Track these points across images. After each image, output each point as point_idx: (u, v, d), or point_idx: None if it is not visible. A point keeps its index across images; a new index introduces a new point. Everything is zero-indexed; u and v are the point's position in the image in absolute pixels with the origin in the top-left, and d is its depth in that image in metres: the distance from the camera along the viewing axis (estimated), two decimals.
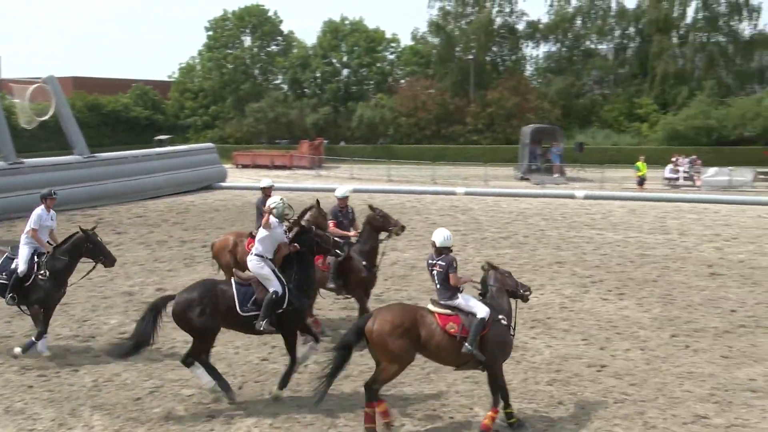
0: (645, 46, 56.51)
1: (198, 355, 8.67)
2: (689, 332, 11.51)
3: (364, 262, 10.99)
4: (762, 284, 14.70)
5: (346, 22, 62.07)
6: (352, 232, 11.59)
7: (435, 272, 8.12)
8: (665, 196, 29.76)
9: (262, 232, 8.98)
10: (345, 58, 61.54)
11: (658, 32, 54.89)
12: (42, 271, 10.16)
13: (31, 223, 10.39)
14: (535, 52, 62.60)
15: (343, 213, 11.78)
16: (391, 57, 64.02)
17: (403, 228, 11.32)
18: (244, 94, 60.86)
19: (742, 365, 10.00)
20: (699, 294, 13.96)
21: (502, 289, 8.24)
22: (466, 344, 7.70)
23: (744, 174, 33.67)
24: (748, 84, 55.72)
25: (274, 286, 8.67)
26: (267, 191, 12.17)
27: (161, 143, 49.28)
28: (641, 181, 32.18)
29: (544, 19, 59.43)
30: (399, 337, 7.65)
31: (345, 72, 62.28)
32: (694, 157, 37.10)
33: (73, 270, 10.43)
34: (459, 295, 7.99)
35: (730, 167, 35.08)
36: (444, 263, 8.04)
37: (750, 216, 24.22)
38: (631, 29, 58.36)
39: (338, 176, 40.61)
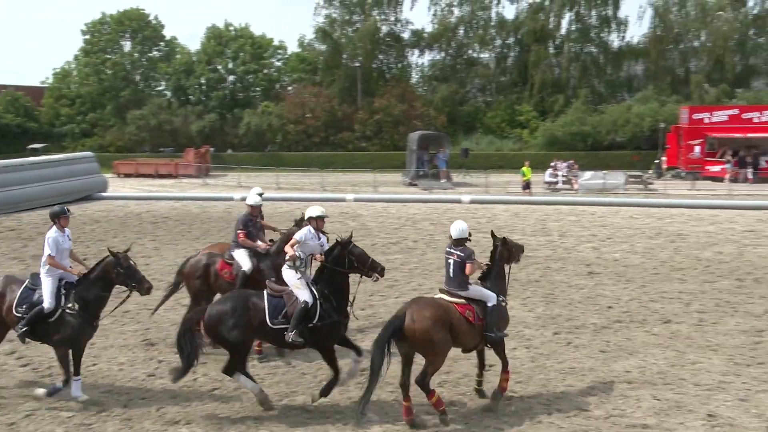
0: (524, 55, 58.83)
1: (236, 366, 8.49)
2: (570, 329, 12.03)
3: (273, 278, 10.73)
4: (635, 281, 15.58)
5: (231, 28, 61.16)
6: (261, 245, 11.23)
7: (451, 261, 8.60)
8: (546, 200, 31.03)
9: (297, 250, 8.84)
10: (230, 65, 60.62)
11: (535, 42, 57.32)
12: (70, 304, 8.76)
13: (48, 250, 8.95)
14: (421, 60, 64.04)
15: (254, 222, 11.32)
16: (278, 64, 63.60)
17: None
18: (125, 100, 58.77)
19: (619, 358, 10.55)
20: (579, 292, 14.63)
21: (503, 268, 9.00)
22: (489, 333, 8.45)
23: (617, 177, 35.59)
24: (619, 92, 59.18)
25: (304, 296, 8.49)
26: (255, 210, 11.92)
27: (35, 152, 46.90)
28: (526, 186, 33.14)
29: (428, 29, 60.90)
30: (441, 330, 8.12)
31: (231, 78, 61.31)
32: (571, 161, 38.89)
33: (106, 301, 9.04)
34: (469, 285, 8.58)
35: (604, 171, 37.02)
36: (463, 254, 8.56)
37: (623, 217, 25.62)
38: (511, 39, 60.62)
39: (226, 184, 39.86)
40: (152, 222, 24.96)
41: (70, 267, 9.13)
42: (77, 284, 8.90)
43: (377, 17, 59.82)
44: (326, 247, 9.02)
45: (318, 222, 8.98)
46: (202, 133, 55.67)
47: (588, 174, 36.15)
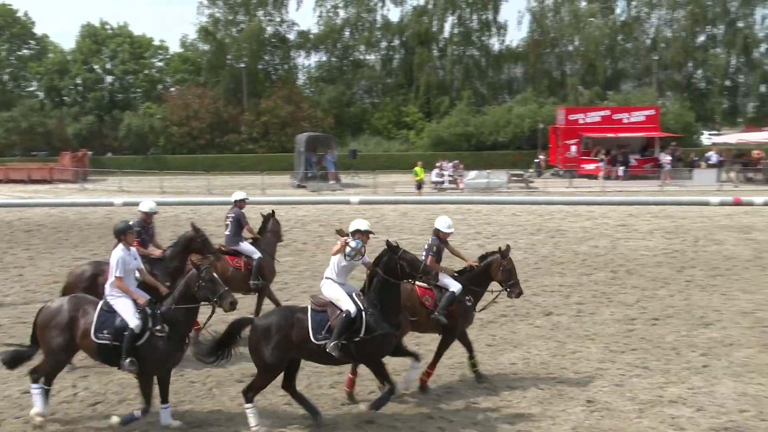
0: (409, 57, 59.84)
1: (258, 391, 8.19)
2: None
3: (168, 283, 10.40)
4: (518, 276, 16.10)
5: (107, 26, 58.80)
6: (156, 251, 10.79)
7: (426, 246, 9.66)
8: (433, 199, 31.67)
9: (338, 258, 8.33)
10: (108, 65, 58.29)
11: (420, 45, 58.41)
12: (159, 326, 7.87)
13: (115, 270, 8.14)
14: (307, 61, 63.97)
15: (146, 229, 10.90)
16: (160, 64, 61.71)
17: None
18: None
19: (504, 351, 10.92)
20: None
21: (488, 276, 9.39)
22: (436, 312, 8.99)
23: (500, 176, 36.82)
24: (500, 94, 61.29)
25: (345, 305, 7.99)
26: (240, 204, 12.84)
27: None
28: (419, 186, 33.65)
29: (314, 30, 60.80)
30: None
31: (109, 79, 58.98)
32: (456, 161, 39.90)
33: (194, 319, 8.23)
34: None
35: (487, 170, 38.19)
36: (431, 243, 9.64)
37: (506, 214, 26.51)
38: (396, 42, 61.49)
39: (106, 189, 38.27)
40: (26, 230, 23.61)
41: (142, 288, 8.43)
42: (161, 304, 8.06)
43: (262, 18, 59.18)
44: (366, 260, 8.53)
45: (364, 237, 8.50)
46: (79, 135, 53.26)
47: (473, 173, 37.16)
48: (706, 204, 28.37)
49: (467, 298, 9.23)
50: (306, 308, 8.20)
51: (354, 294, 8.25)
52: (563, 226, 23.48)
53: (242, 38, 57.43)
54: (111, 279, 8.21)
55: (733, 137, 47.64)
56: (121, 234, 8.43)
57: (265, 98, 54.02)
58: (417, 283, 8.97)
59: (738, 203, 28.19)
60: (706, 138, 55.09)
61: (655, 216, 25.50)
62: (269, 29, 60.02)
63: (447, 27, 60.60)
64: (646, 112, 44.09)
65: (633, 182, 37.75)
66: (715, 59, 58.70)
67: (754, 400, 8.85)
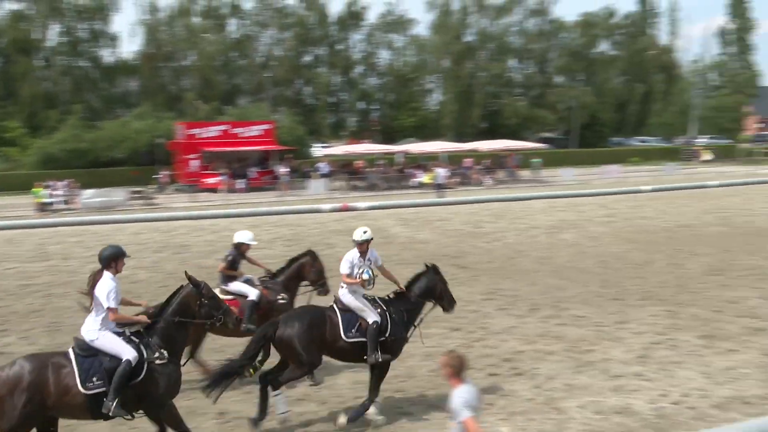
0: (8, 67, 54.36)
1: (287, 382, 8.45)
2: None
3: None
4: (144, 296, 15.64)
5: None
6: None
7: (225, 254, 10.44)
8: (45, 222, 29.06)
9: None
10: None
11: (20, 53, 53.46)
12: (156, 354, 7.12)
13: (109, 300, 7.14)
14: None
15: None
16: None
17: None
18: None
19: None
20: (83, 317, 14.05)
21: (300, 276, 10.43)
22: (243, 324, 9.29)
23: (119, 194, 35.38)
24: (115, 108, 58.87)
25: (372, 316, 8.47)
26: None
27: None
28: (42, 207, 31.74)
29: None
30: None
31: None
32: (71, 180, 37.24)
33: (187, 339, 7.71)
34: (230, 283, 10.14)
35: (106, 188, 36.38)
36: (229, 252, 10.33)
37: (128, 234, 25.43)
38: None
39: None
40: None
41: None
42: (152, 326, 7.37)
43: None
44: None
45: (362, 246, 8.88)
46: None
47: (89, 192, 35.16)
48: (319, 211, 30.76)
49: (281, 296, 9.98)
50: (333, 307, 8.67)
51: (378, 299, 8.80)
52: (188, 242, 23.41)
53: None
54: (97, 315, 7.22)
55: (339, 149, 52.55)
56: (113, 260, 7.42)
57: None
58: (222, 296, 9.41)
59: (345, 209, 31.11)
60: (317, 150, 59.89)
61: (275, 225, 26.82)
62: None
63: (52, 35, 56.45)
64: (262, 127, 46.18)
65: (254, 194, 39.22)
66: (320, 78, 64.16)
67: (364, 386, 9.86)
